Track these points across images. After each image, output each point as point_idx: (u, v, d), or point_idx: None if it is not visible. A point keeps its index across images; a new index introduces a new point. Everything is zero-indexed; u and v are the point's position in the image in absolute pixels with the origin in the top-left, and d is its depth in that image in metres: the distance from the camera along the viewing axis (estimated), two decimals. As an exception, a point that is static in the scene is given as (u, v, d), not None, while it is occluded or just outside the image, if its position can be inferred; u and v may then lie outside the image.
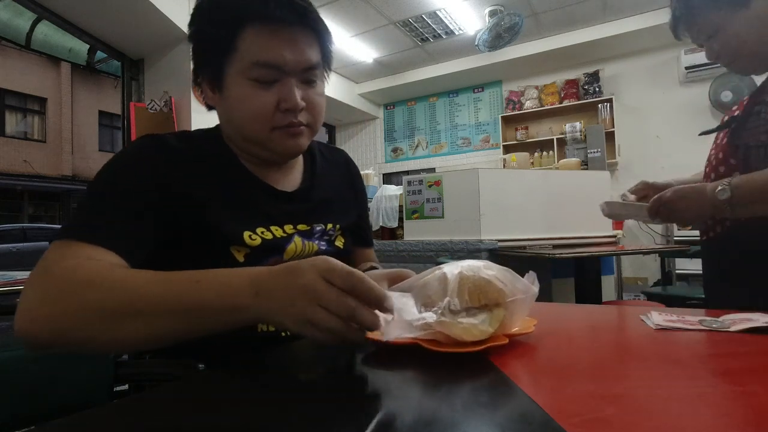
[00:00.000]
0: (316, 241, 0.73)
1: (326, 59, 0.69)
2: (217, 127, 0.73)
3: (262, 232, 0.66)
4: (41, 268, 0.49)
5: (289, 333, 0.64)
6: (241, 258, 0.64)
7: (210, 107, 0.71)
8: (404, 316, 0.43)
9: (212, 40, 0.62)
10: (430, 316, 0.42)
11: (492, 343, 0.43)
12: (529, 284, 0.48)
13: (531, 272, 0.50)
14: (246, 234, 0.64)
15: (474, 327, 0.42)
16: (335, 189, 0.81)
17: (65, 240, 0.52)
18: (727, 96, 3.88)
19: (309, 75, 0.65)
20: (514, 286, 0.47)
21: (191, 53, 0.67)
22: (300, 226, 0.71)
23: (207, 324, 0.45)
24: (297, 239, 0.70)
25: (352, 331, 0.41)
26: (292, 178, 0.75)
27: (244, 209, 0.66)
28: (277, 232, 0.68)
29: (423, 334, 0.43)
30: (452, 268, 0.47)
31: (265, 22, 0.60)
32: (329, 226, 0.76)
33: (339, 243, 0.78)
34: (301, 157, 0.78)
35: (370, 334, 0.43)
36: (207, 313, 0.44)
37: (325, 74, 0.71)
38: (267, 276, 0.44)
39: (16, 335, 0.43)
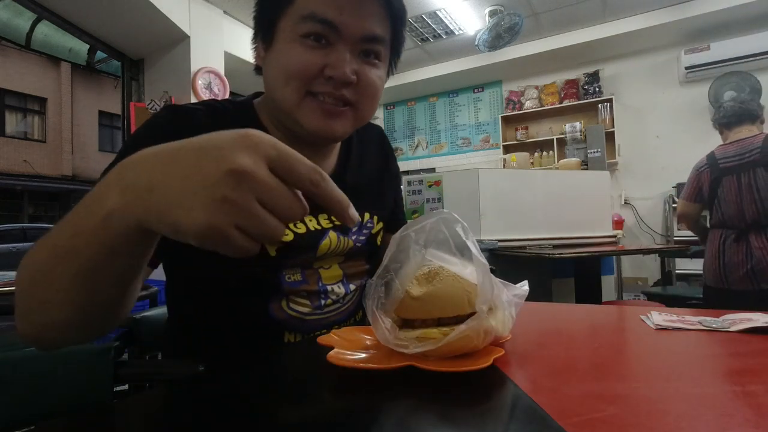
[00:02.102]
0: (353, 236, 0.67)
1: (396, 42, 0.60)
2: (250, 97, 0.67)
3: (296, 224, 0.60)
4: None
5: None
6: (272, 252, 0.58)
7: (258, 69, 0.63)
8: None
9: None
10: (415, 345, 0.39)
11: (480, 364, 0.37)
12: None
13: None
14: None
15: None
16: (370, 171, 0.74)
17: None
18: (730, 96, 3.87)
19: (369, 47, 0.56)
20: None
21: (255, 3, 0.60)
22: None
23: (96, 258, 0.33)
24: (332, 234, 0.64)
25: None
26: (328, 162, 0.67)
27: None
28: (311, 223, 0.63)
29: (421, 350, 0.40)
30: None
31: None
32: (366, 216, 0.70)
33: (379, 240, 0.72)
34: None
35: (361, 364, 0.40)
36: (81, 242, 0.32)
37: (392, 63, 0.63)
38: (149, 162, 0.30)
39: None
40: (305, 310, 0.63)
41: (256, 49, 0.63)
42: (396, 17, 0.58)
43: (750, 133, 1.89)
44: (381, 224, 0.73)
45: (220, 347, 0.62)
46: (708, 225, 2.06)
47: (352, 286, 0.69)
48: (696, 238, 2.30)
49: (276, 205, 0.28)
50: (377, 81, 0.58)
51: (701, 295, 2.31)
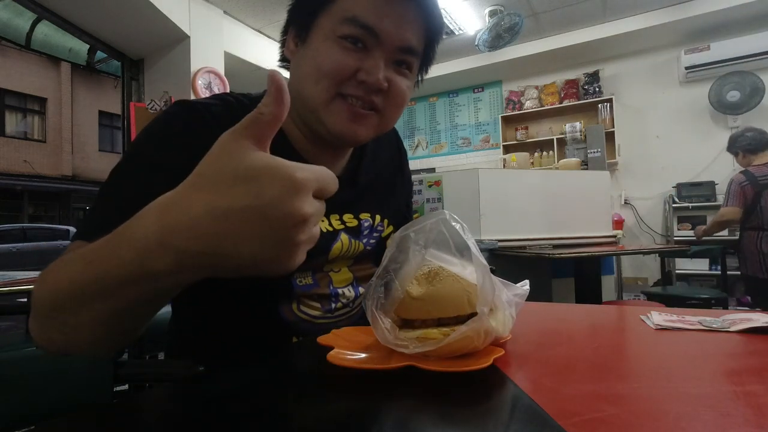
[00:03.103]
0: (364, 240, 0.67)
1: (427, 55, 0.61)
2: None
3: None
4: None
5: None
6: None
7: (284, 61, 0.63)
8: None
9: None
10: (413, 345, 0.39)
11: (480, 364, 0.37)
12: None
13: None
14: None
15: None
16: (384, 173, 0.74)
17: (77, 240, 0.46)
18: (734, 96, 3.87)
19: (402, 57, 0.56)
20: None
21: None
22: (346, 217, 0.65)
23: (141, 300, 0.34)
24: (344, 237, 0.63)
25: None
26: (342, 161, 0.67)
27: None
28: (323, 224, 0.61)
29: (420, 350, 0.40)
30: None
31: None
32: (377, 218, 0.69)
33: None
34: None
35: (360, 364, 0.40)
36: (130, 292, 0.33)
37: (420, 75, 0.64)
38: (186, 236, 0.29)
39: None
40: (316, 313, 0.62)
41: (285, 41, 0.62)
42: (433, 32, 0.59)
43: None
44: (391, 228, 0.73)
45: (226, 349, 0.61)
46: (740, 228, 2.54)
47: (361, 289, 0.68)
48: (698, 238, 2.70)
49: (318, 220, 0.31)
50: (406, 91, 0.59)
51: (701, 295, 2.59)
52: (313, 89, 0.55)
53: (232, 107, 0.58)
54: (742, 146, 2.51)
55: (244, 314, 0.60)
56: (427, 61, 0.63)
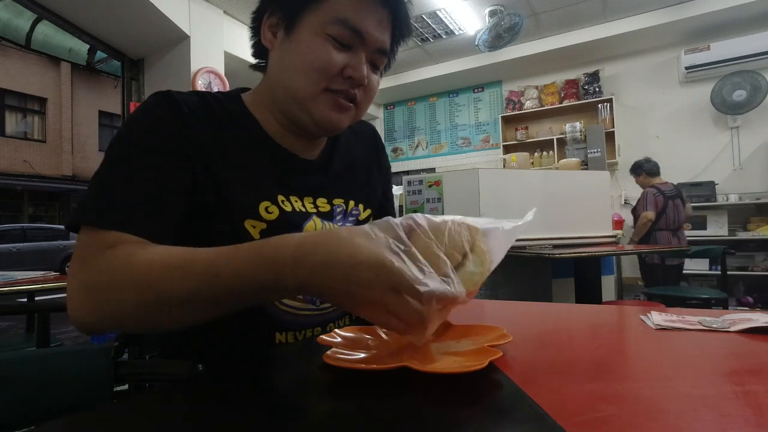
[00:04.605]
0: (339, 222, 0.69)
1: (392, 54, 0.68)
2: (237, 90, 0.69)
3: (282, 201, 0.62)
4: (80, 260, 0.48)
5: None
6: (256, 235, 0.59)
7: (259, 52, 0.67)
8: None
9: None
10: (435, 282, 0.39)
11: (477, 365, 0.37)
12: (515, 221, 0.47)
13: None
14: (263, 205, 0.60)
15: (469, 276, 0.41)
16: (359, 161, 0.77)
17: (92, 228, 0.49)
18: (740, 95, 3.86)
19: (377, 58, 0.63)
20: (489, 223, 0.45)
21: None
22: (320, 201, 0.67)
23: (253, 302, 0.45)
24: (316, 219, 0.65)
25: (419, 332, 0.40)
26: (317, 150, 0.71)
27: (262, 177, 0.62)
28: (297, 203, 0.64)
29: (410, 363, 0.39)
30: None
31: None
32: (351, 204, 0.71)
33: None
34: None
35: (345, 363, 0.41)
36: (260, 296, 0.44)
37: (382, 72, 0.70)
38: (315, 278, 0.40)
39: (72, 324, 0.47)
40: (297, 304, 0.63)
41: (261, 29, 0.64)
42: (401, 37, 0.66)
43: (664, 180, 3.49)
44: (369, 211, 0.75)
45: (213, 345, 0.62)
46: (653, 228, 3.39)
47: None
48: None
49: (400, 314, 0.38)
50: (377, 86, 0.66)
51: (701, 295, 2.64)
52: (301, 82, 0.60)
53: (209, 103, 0.63)
54: (646, 170, 3.51)
55: None
56: (392, 57, 0.69)
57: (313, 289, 0.41)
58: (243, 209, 0.59)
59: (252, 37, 0.67)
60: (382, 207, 0.82)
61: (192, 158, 0.57)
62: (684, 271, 3.94)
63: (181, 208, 0.55)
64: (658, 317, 0.56)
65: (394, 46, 0.66)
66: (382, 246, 0.39)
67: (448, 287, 0.38)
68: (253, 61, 0.71)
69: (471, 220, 0.45)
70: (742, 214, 3.99)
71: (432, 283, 0.37)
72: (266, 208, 0.60)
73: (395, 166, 6.03)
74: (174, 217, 0.54)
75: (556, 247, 2.38)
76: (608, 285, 2.98)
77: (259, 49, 0.67)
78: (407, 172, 5.62)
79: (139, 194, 0.52)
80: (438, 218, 0.42)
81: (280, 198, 0.62)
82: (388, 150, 6.05)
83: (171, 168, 0.55)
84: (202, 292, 0.43)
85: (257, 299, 0.44)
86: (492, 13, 3.83)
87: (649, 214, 3.34)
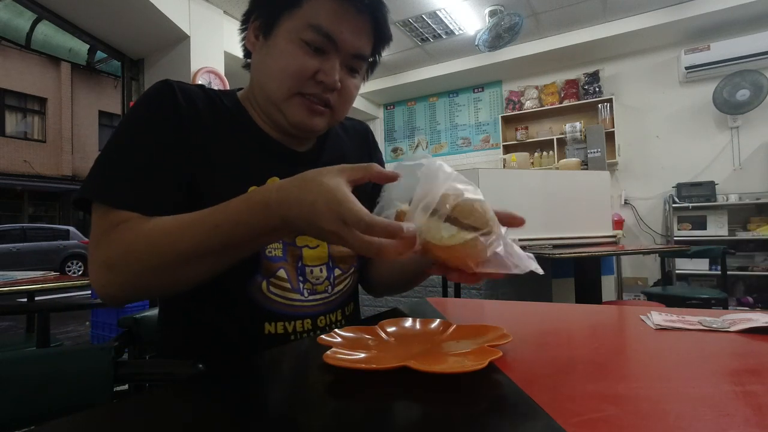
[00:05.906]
0: None
1: (374, 60, 0.70)
2: (234, 89, 0.72)
3: None
4: (95, 241, 0.54)
5: (295, 336, 0.64)
6: None
7: (248, 52, 0.70)
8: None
9: None
10: (418, 221, 0.43)
11: (477, 365, 0.36)
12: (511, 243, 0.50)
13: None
14: (252, 189, 0.60)
15: (456, 235, 0.43)
16: (349, 154, 0.79)
17: (104, 206, 0.55)
18: (743, 95, 3.86)
19: (354, 63, 0.65)
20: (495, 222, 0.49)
21: None
22: None
23: (251, 247, 0.52)
24: None
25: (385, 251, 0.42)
26: (306, 146, 0.74)
27: (253, 163, 0.65)
28: None
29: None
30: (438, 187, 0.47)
31: None
32: None
33: None
34: None
35: (341, 362, 0.40)
36: (252, 242, 0.50)
37: (367, 75, 0.72)
38: (292, 213, 0.45)
39: (98, 296, 0.54)
40: (287, 294, 0.64)
41: (246, 34, 0.68)
42: (381, 42, 0.67)
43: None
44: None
45: (206, 339, 0.63)
46: None
47: (337, 271, 0.70)
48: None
49: (354, 247, 0.43)
50: (354, 90, 0.68)
51: (701, 295, 2.61)
52: (275, 86, 0.63)
53: (213, 101, 0.66)
54: None
55: (215, 291, 0.61)
56: (373, 64, 0.71)
57: (292, 224, 0.46)
58: (233, 192, 0.60)
59: (241, 39, 0.70)
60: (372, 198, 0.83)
61: (189, 143, 0.60)
62: (684, 271, 3.95)
63: (179, 188, 0.59)
64: (658, 317, 0.56)
65: (376, 52, 0.68)
66: (342, 183, 0.43)
67: (391, 221, 0.42)
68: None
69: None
70: (742, 214, 3.99)
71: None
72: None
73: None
74: (171, 195, 0.58)
75: (556, 247, 2.38)
76: (608, 285, 2.98)
77: (247, 50, 0.70)
78: (407, 172, 5.61)
79: (140, 175, 0.56)
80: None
81: (270, 182, 0.63)
82: (388, 150, 6.05)
83: (171, 152, 0.59)
84: (207, 243, 0.49)
85: (255, 243, 0.51)
86: (492, 13, 3.83)
87: None
